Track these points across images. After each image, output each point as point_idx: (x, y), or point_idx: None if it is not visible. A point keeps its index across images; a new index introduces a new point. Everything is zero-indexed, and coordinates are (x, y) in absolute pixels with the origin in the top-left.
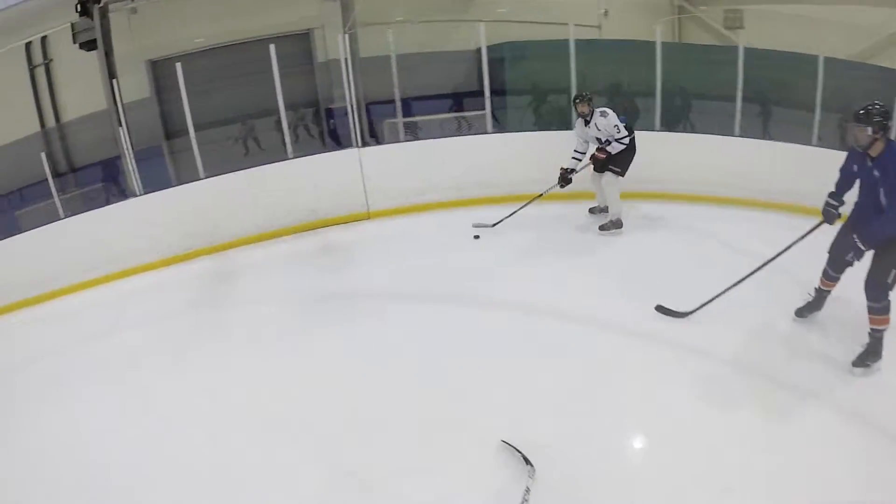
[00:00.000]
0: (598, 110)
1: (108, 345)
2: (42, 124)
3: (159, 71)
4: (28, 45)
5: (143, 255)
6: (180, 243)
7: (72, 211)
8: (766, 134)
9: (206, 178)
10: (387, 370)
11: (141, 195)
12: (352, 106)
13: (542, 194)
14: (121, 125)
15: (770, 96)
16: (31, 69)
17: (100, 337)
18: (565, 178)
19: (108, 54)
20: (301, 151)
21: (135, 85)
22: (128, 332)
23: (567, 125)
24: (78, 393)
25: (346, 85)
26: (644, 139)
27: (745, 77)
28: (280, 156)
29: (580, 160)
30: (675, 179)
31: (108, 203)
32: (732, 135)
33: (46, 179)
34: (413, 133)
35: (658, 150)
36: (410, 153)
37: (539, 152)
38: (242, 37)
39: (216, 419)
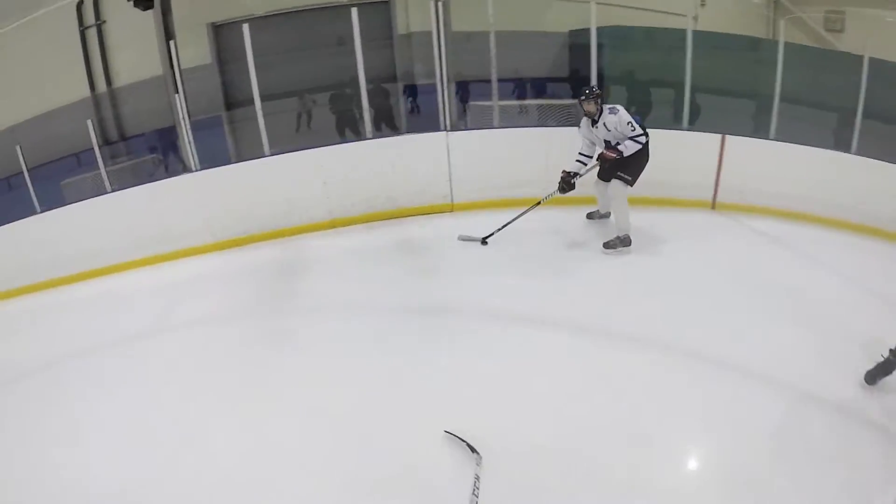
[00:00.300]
0: (606, 107)
1: (146, 342)
2: (92, 89)
3: (222, 36)
4: (79, 4)
5: (196, 237)
6: (238, 226)
7: (120, 184)
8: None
9: (272, 155)
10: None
11: (197, 171)
12: (442, 83)
13: (540, 202)
14: (177, 92)
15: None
16: (82, 30)
17: (139, 330)
18: (568, 182)
19: (166, 14)
20: (374, 132)
21: (194, 50)
22: (169, 328)
23: (676, 124)
24: (102, 395)
25: (436, 60)
26: (750, 146)
27: (838, 84)
28: (334, 137)
29: (586, 164)
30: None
31: (159, 177)
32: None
33: (93, 148)
34: (489, 118)
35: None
36: (503, 140)
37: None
38: (314, 2)
39: (253, 450)
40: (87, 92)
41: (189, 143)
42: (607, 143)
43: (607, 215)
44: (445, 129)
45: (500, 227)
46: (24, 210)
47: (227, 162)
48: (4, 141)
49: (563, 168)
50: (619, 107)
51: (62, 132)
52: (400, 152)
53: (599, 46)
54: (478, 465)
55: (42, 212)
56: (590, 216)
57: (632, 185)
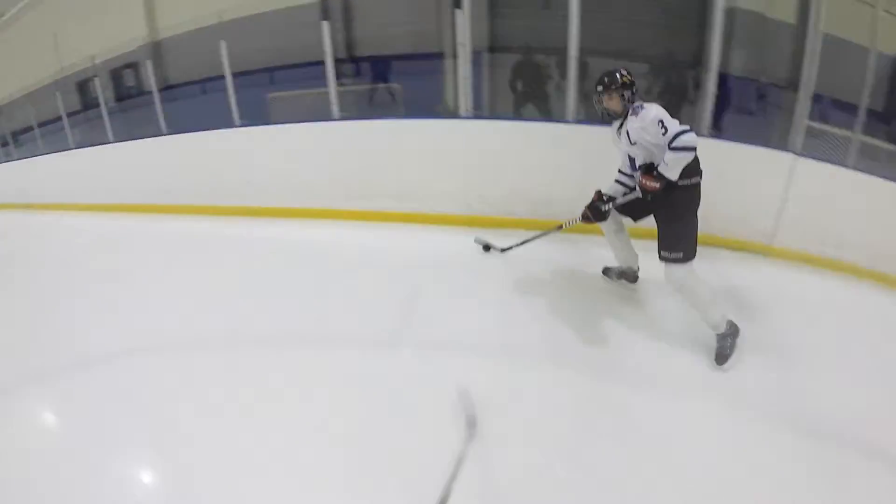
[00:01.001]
0: (632, 106)
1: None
2: None
3: None
4: None
5: (447, 202)
6: (506, 204)
7: (348, 112)
8: None
9: (576, 122)
10: None
11: (467, 117)
12: (803, 90)
13: (562, 226)
14: (459, 7)
15: None
16: None
17: (353, 318)
18: (597, 209)
19: None
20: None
21: None
22: (401, 333)
23: None
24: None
25: (806, 58)
26: None
27: None
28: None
29: (628, 185)
30: None
31: (397, 113)
32: None
33: (323, 61)
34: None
35: None
36: (857, 188)
37: None
38: None
39: None
40: None
41: (465, 77)
42: (632, 160)
43: (627, 272)
44: (793, 151)
45: (521, 241)
46: (221, 119)
47: (480, 113)
48: (209, 38)
49: (598, 188)
50: (646, 104)
51: (278, 39)
52: (724, 163)
53: None
54: (468, 442)
55: (241, 125)
56: (606, 273)
57: (691, 259)
